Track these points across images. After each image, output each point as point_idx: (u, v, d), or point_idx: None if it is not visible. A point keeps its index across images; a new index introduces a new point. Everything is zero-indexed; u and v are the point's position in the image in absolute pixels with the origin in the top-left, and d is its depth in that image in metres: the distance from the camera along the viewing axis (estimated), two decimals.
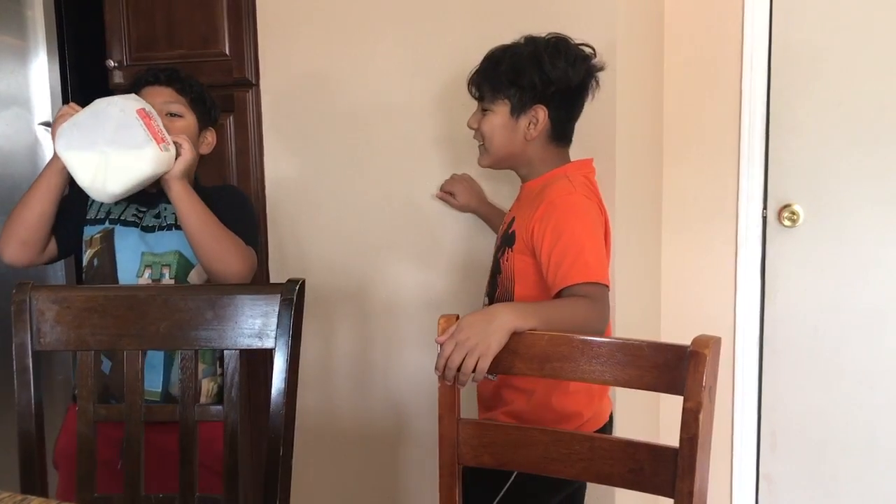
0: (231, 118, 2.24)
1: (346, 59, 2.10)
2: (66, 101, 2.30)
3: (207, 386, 1.68)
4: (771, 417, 2.39)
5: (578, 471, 1.24)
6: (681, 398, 1.14)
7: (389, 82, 2.06)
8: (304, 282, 1.36)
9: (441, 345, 1.30)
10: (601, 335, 1.34)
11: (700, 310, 2.39)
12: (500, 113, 1.57)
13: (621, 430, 1.93)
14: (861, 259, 2.27)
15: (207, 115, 1.78)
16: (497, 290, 1.62)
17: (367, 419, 2.20)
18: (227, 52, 2.21)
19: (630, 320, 2.06)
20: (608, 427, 1.65)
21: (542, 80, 1.53)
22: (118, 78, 2.31)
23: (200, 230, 1.59)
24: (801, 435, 2.37)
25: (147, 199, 1.71)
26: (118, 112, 1.54)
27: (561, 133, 1.60)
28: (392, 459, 2.18)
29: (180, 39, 2.24)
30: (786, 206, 2.31)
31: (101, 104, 1.57)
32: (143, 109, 1.56)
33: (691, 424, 1.12)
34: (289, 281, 1.36)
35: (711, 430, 1.14)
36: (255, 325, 1.35)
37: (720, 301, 2.38)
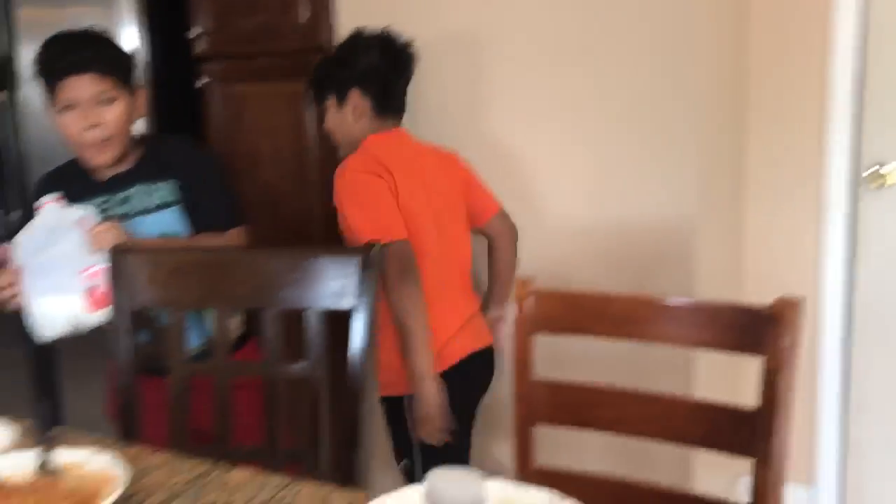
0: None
1: (423, 25, 2.10)
2: (154, 71, 2.37)
3: (234, 322, 1.73)
4: (862, 384, 2.33)
5: (656, 431, 1.24)
6: (762, 360, 1.13)
7: (466, 46, 2.05)
8: (379, 244, 1.39)
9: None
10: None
11: (784, 274, 2.33)
12: (331, 106, 1.86)
13: (700, 392, 1.92)
14: None
15: (131, 77, 1.67)
16: None
17: None
18: (305, 18, 2.24)
19: (712, 284, 2.03)
20: (463, 366, 1.80)
21: (340, 70, 1.82)
22: (201, 46, 2.37)
23: None
24: (891, 401, 2.30)
25: (104, 187, 1.68)
26: (84, 325, 1.56)
27: (384, 105, 1.83)
28: None
29: (259, 6, 2.28)
30: (877, 167, 2.22)
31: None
32: (93, 290, 1.53)
33: (771, 386, 1.11)
34: (367, 243, 1.38)
35: (793, 393, 1.13)
36: (335, 286, 1.38)
37: (805, 265, 2.32)
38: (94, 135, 1.62)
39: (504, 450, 1.61)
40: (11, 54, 2.50)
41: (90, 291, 1.52)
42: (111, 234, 1.53)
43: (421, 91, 2.13)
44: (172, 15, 2.37)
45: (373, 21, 2.17)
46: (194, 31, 2.36)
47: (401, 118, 1.88)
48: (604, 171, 1.96)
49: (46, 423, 1.05)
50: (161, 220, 1.69)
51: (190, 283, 1.42)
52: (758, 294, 2.29)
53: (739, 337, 1.16)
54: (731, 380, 2.24)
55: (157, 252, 1.45)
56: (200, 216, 1.72)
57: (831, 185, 2.25)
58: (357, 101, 1.82)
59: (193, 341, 1.69)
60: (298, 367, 1.41)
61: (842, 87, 2.20)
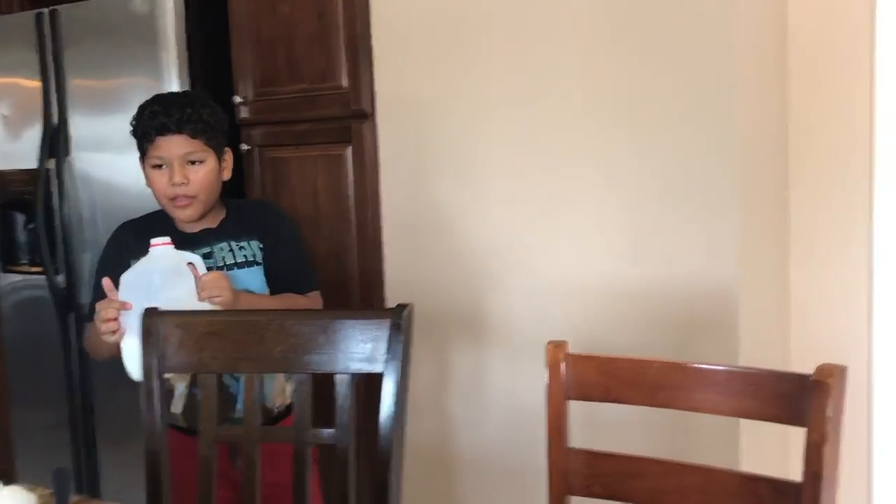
0: (349, 149, 2.31)
1: (460, 88, 2.12)
2: None
3: (289, 388, 1.75)
4: None
5: None
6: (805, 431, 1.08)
7: (503, 106, 2.07)
8: (412, 306, 1.37)
9: None
10: None
11: (833, 339, 2.25)
12: None
13: (747, 463, 1.85)
14: None
15: (223, 139, 1.75)
16: None
17: (481, 446, 2.19)
18: (345, 85, 2.28)
19: (756, 350, 1.96)
20: None
21: None
22: (244, 112, 2.42)
23: None
24: None
25: (188, 241, 1.72)
26: None
27: None
28: (506, 487, 2.16)
29: (301, 74, 2.34)
30: None
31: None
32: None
33: (815, 459, 1.05)
34: (398, 306, 1.37)
35: (838, 465, 1.07)
36: (365, 349, 1.36)
37: (855, 330, 2.23)
38: (181, 192, 1.67)
39: None
40: (61, 123, 2.58)
41: None
42: (220, 284, 1.57)
43: (457, 150, 2.14)
44: (217, 83, 2.44)
45: (410, 86, 2.21)
46: (237, 99, 2.41)
47: None
48: (641, 232, 1.93)
49: (65, 490, 1.04)
50: (242, 277, 1.72)
51: (220, 346, 1.42)
52: (805, 360, 2.21)
53: (780, 406, 1.11)
54: (781, 449, 2.15)
55: (188, 315, 1.45)
56: (280, 277, 1.76)
57: (880, 247, 2.18)
58: None
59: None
60: (327, 433, 1.39)
61: (889, 146, 2.15)
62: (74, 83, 2.55)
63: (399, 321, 1.35)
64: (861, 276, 2.21)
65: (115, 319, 1.55)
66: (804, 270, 2.28)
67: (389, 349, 1.36)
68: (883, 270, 2.19)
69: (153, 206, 1.78)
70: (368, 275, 2.31)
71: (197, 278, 1.57)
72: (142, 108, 1.71)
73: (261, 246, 1.76)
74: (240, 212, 1.80)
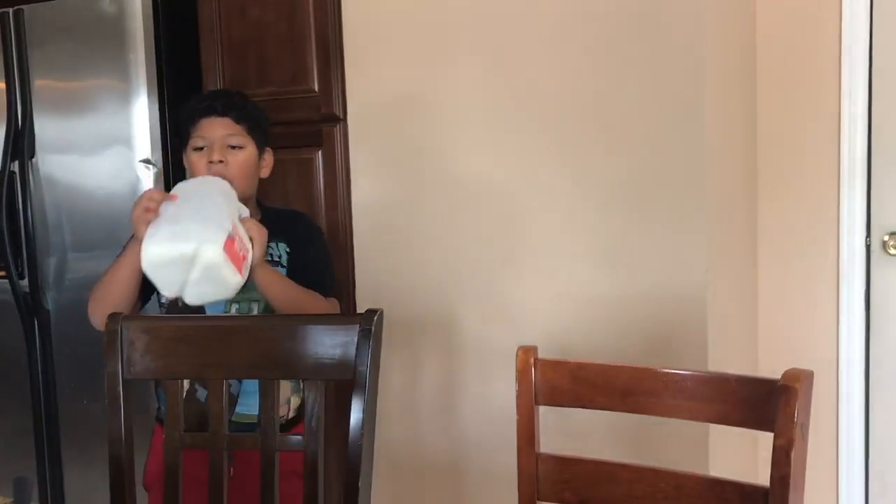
0: (319, 153, 2.29)
1: (432, 91, 2.12)
2: (164, 139, 2.39)
3: (294, 401, 1.74)
4: (879, 458, 2.25)
5: None
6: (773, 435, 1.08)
7: (475, 112, 2.07)
8: (382, 312, 1.37)
9: None
10: None
11: (800, 344, 2.28)
12: None
13: (716, 467, 1.86)
14: None
15: (265, 137, 1.78)
16: None
17: (452, 452, 2.18)
18: (316, 88, 2.27)
19: (725, 355, 1.98)
20: None
21: None
22: None
23: (288, 307, 1.63)
24: None
25: None
26: (207, 259, 1.46)
27: None
28: (477, 494, 2.16)
29: (271, 77, 2.32)
30: (892, 234, 2.19)
31: (189, 234, 1.48)
32: (232, 241, 1.50)
33: (782, 462, 1.06)
34: (367, 311, 1.36)
35: (804, 469, 1.08)
36: (334, 355, 1.35)
37: (822, 335, 2.27)
38: (217, 170, 1.69)
39: None
40: (26, 124, 2.54)
41: (230, 240, 1.49)
42: (258, 228, 1.59)
43: (428, 155, 2.14)
44: (186, 86, 2.41)
45: (381, 91, 2.20)
46: None
47: None
48: (611, 238, 1.94)
49: (26, 499, 1.02)
50: None
51: (188, 351, 1.40)
52: (773, 365, 2.23)
53: (748, 410, 1.12)
54: (750, 453, 2.17)
55: (154, 320, 1.43)
56: (302, 276, 1.76)
57: (846, 253, 2.21)
58: None
59: (254, 409, 1.65)
60: (296, 440, 1.38)
61: (854, 153, 2.19)
62: (39, 84, 2.51)
63: (369, 327, 1.34)
64: (828, 282, 2.24)
65: (156, 202, 1.54)
66: (772, 276, 2.30)
67: (359, 355, 1.35)
68: (849, 276, 2.22)
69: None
70: (339, 280, 2.29)
71: (240, 218, 1.59)
72: (192, 97, 1.79)
73: (287, 249, 1.77)
74: (274, 216, 1.82)
